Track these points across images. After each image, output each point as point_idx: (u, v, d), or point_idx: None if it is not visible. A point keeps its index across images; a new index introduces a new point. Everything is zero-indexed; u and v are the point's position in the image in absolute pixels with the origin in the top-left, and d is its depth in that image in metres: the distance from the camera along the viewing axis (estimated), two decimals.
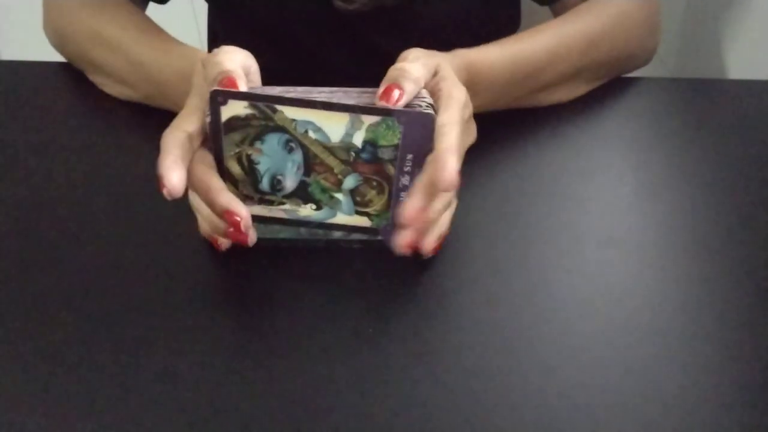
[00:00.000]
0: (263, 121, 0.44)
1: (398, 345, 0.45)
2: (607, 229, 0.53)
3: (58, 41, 0.71)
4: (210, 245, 0.50)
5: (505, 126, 0.63)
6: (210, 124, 0.45)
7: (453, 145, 0.44)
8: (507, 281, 0.49)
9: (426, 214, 0.45)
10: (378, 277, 0.49)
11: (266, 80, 0.49)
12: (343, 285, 0.49)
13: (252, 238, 0.46)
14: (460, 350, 0.44)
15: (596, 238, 0.53)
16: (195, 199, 0.48)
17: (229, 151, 0.46)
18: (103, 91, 0.67)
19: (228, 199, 0.45)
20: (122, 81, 0.65)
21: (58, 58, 0.71)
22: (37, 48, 0.79)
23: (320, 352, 0.44)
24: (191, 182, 0.46)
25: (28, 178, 0.58)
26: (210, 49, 0.90)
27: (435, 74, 0.50)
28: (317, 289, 0.48)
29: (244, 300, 0.48)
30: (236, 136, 0.45)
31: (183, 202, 0.48)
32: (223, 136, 0.45)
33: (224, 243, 0.50)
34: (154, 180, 0.57)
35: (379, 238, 0.49)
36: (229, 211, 0.45)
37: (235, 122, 0.45)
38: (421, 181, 0.45)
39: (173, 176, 0.43)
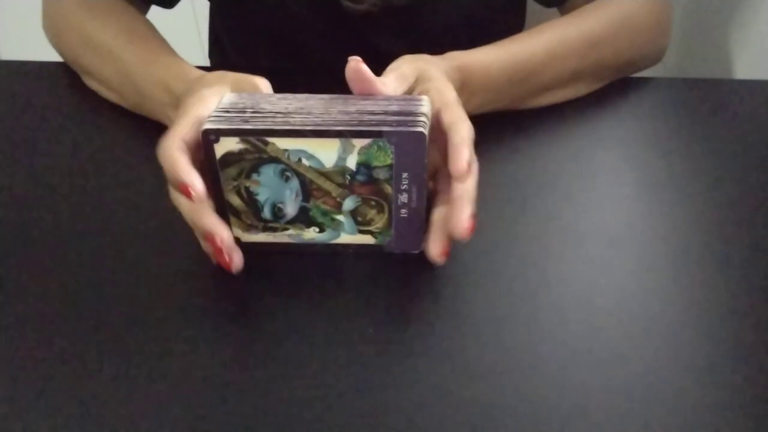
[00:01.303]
0: (257, 154, 0.45)
1: (398, 345, 0.45)
2: (607, 229, 0.53)
3: (55, 42, 0.71)
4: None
5: (505, 126, 0.63)
6: (205, 162, 0.45)
7: (465, 138, 0.45)
8: (507, 281, 0.49)
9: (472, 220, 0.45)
10: (377, 278, 0.49)
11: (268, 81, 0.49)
12: (343, 286, 0.49)
13: (237, 264, 0.46)
14: (460, 350, 0.44)
15: (596, 238, 0.53)
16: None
17: (228, 185, 0.47)
18: None
19: (211, 222, 0.45)
20: (112, 89, 0.65)
21: (58, 58, 0.71)
22: (37, 48, 0.79)
23: (320, 353, 0.44)
24: (180, 204, 0.46)
25: (28, 178, 0.58)
26: (211, 50, 0.90)
27: (418, 79, 0.50)
28: (317, 291, 0.48)
29: (243, 301, 0.48)
30: (232, 171, 0.46)
31: None
32: (220, 172, 0.46)
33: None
34: (153, 181, 0.57)
35: (386, 252, 0.50)
36: (210, 234, 0.45)
37: (230, 157, 0.45)
38: (456, 192, 0.45)
39: (196, 181, 0.43)
